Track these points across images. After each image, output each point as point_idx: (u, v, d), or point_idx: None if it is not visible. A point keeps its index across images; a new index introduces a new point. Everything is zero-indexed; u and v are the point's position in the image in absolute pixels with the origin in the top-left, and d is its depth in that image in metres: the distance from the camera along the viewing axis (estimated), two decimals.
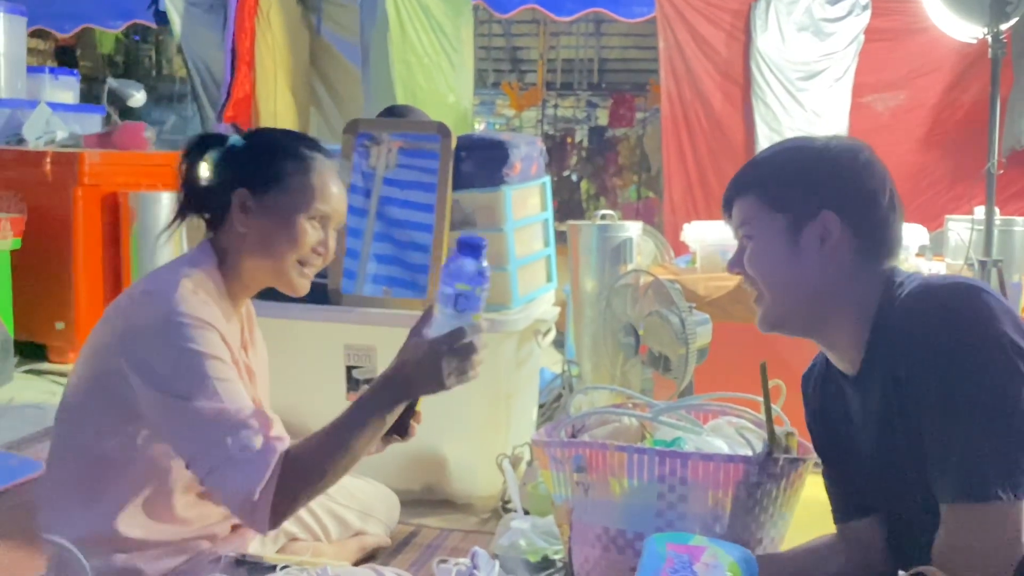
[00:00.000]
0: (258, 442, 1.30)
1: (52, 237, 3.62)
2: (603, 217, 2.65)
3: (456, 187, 2.22)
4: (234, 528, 1.56)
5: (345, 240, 2.24)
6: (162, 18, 5.33)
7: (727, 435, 1.65)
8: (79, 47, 7.30)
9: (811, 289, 1.24)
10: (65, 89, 4.45)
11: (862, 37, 4.52)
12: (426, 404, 2.16)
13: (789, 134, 4.54)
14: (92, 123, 4.42)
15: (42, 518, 1.46)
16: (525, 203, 2.37)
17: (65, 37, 6.44)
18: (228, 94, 4.64)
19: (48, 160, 3.67)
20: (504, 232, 2.22)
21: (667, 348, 2.01)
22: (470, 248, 1.31)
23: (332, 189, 1.49)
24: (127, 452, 1.40)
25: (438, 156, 2.21)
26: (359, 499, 1.92)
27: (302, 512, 1.77)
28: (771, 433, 1.45)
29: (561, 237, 2.68)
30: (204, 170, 1.47)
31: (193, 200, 1.50)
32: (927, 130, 4.53)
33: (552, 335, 2.43)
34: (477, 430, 2.21)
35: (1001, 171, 2.70)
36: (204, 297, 1.40)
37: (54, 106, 4.13)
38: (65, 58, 7.28)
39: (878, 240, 1.24)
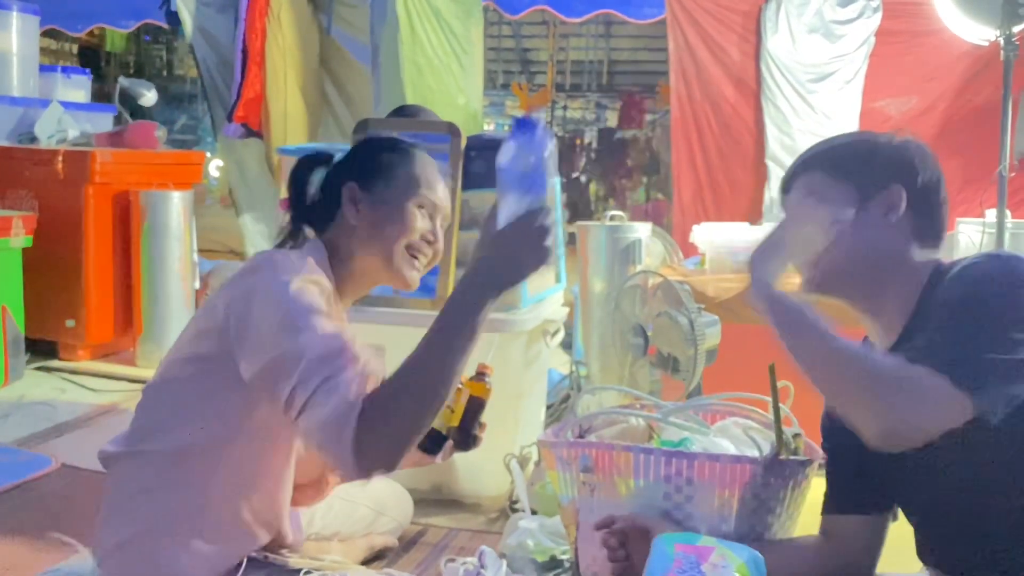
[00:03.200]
0: (350, 369, 1.22)
1: (63, 235, 3.64)
2: (612, 218, 2.65)
3: (466, 187, 2.22)
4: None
5: None
6: (173, 18, 5.34)
7: (734, 436, 1.65)
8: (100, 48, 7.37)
9: (869, 255, 1.27)
10: (77, 88, 4.47)
11: (873, 39, 4.50)
12: None
13: (799, 136, 4.54)
14: (104, 122, 4.45)
15: (107, 503, 1.42)
16: None
17: (88, 38, 6.48)
18: (238, 94, 4.65)
19: (60, 158, 3.69)
20: None
21: (676, 349, 2.01)
22: (525, 126, 1.22)
23: (437, 180, 1.52)
24: (208, 447, 1.37)
25: (447, 157, 2.22)
26: (373, 496, 1.93)
27: (316, 506, 1.77)
28: (779, 434, 1.45)
29: (569, 238, 2.69)
30: (314, 183, 1.51)
31: (304, 209, 1.51)
32: (937, 133, 4.50)
33: (561, 335, 2.43)
34: (486, 430, 2.21)
35: (1013, 174, 2.70)
36: (315, 270, 1.38)
37: (66, 105, 4.14)
38: (88, 58, 7.34)
39: (935, 223, 1.29)
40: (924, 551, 1.31)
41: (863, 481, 1.31)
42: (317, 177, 1.51)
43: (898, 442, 1.11)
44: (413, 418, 1.21)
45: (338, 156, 1.55)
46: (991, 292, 1.13)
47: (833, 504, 1.38)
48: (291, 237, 1.52)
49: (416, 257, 1.49)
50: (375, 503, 1.92)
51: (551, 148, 1.23)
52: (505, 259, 1.22)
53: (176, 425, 1.38)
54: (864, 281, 1.29)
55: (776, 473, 1.45)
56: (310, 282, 1.33)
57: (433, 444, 1.56)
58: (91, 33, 6.74)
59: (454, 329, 1.22)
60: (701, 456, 1.46)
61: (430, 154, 2.24)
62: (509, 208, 1.21)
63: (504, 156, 1.22)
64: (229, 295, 1.36)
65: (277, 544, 1.51)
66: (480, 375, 1.56)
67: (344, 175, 1.49)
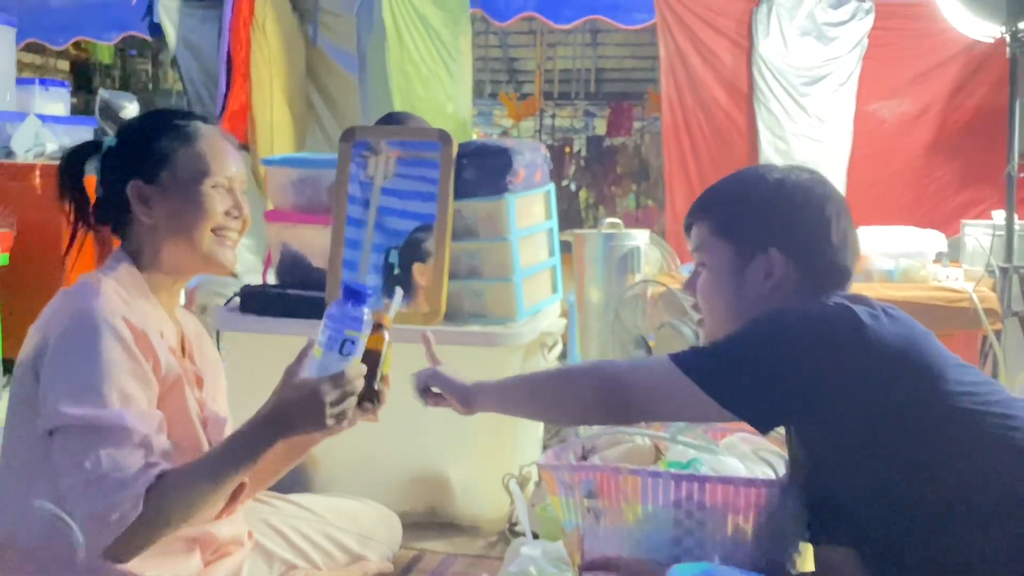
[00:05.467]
0: (134, 463, 1.25)
1: (41, 252, 3.53)
2: (609, 225, 2.57)
3: (458, 196, 2.14)
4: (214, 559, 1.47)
5: (343, 251, 2.18)
6: (156, 30, 5.27)
7: (743, 454, 1.58)
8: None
9: (751, 319, 1.27)
10: (56, 101, 4.37)
11: (866, 41, 4.46)
12: (429, 422, 2.09)
13: (793, 140, 4.50)
14: (84, 136, 4.34)
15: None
16: (529, 211, 2.30)
17: (76, 52, 6.40)
18: (223, 106, 4.58)
19: (37, 173, 3.60)
20: (508, 242, 2.15)
21: None
22: (357, 295, 1.33)
23: (223, 151, 1.45)
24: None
25: (438, 165, 2.14)
26: (358, 522, 1.84)
27: (296, 538, 1.70)
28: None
29: (562, 247, 2.60)
30: (90, 181, 1.45)
31: (92, 214, 1.46)
32: (933, 136, 4.47)
33: (559, 349, 2.34)
34: (482, 449, 2.13)
35: (1023, 174, 2.63)
36: (127, 297, 1.36)
37: (44, 118, 4.05)
38: (81, 76, 7.28)
39: (823, 275, 1.28)
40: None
41: (845, 508, 1.26)
42: (93, 170, 1.45)
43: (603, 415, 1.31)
44: (179, 524, 1.30)
45: (107, 142, 1.45)
46: (770, 318, 1.20)
47: (818, 533, 1.33)
48: (78, 233, 1.46)
49: (226, 237, 1.44)
50: (362, 529, 1.83)
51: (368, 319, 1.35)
52: (309, 410, 1.32)
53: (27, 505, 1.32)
54: None
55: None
56: (123, 331, 1.29)
57: None
58: (77, 45, 6.66)
59: (239, 460, 1.31)
60: (713, 479, 1.37)
61: (419, 163, 2.20)
62: (324, 365, 1.32)
63: (334, 316, 1.33)
64: (39, 333, 1.33)
65: (214, 549, 1.46)
66: (377, 326, 1.44)
67: (124, 172, 1.41)
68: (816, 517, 1.33)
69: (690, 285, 1.38)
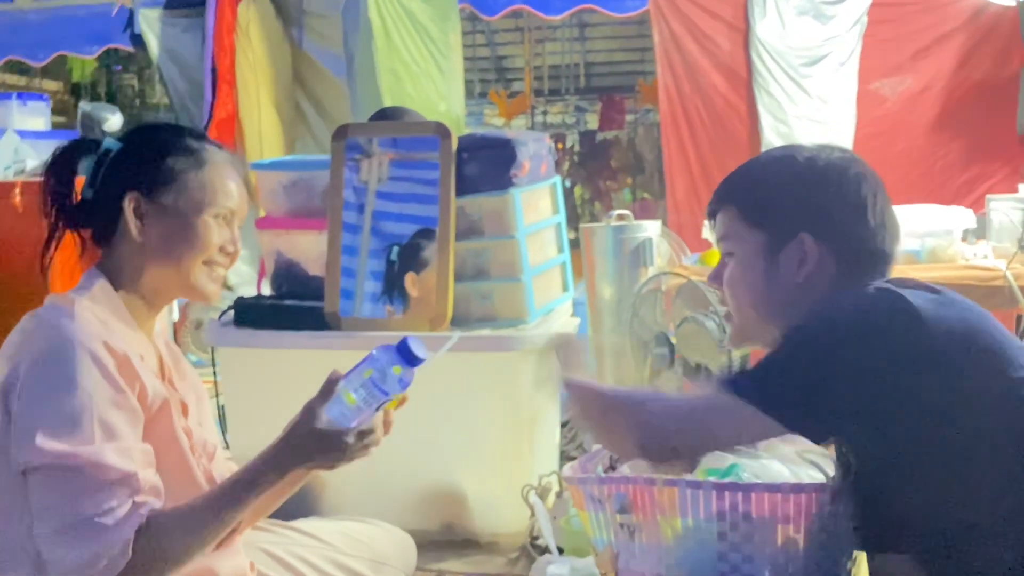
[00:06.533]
0: (120, 504, 1.15)
1: (24, 273, 3.39)
2: (619, 217, 2.46)
3: (459, 192, 2.03)
4: None
5: (340, 258, 2.06)
6: (138, 40, 5.19)
7: (785, 456, 1.48)
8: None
9: (786, 311, 1.20)
10: (36, 116, 4.25)
11: (865, 18, 4.38)
12: (441, 433, 1.98)
13: (795, 123, 4.42)
14: None
15: None
16: (536, 206, 2.19)
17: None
18: (210, 115, 4.52)
19: (17, 191, 3.47)
20: (516, 239, 2.03)
21: (706, 357, 1.82)
22: (413, 359, 1.25)
23: (232, 182, 1.38)
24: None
25: (433, 165, 2.03)
26: (369, 547, 1.72)
27: (302, 567, 1.58)
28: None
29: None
30: (82, 180, 1.35)
31: (74, 215, 1.35)
32: (938, 112, 4.40)
33: None
34: (498, 459, 2.03)
35: None
36: (104, 318, 1.26)
37: (23, 134, 3.93)
38: (73, 97, 7.19)
39: (861, 261, 1.20)
40: None
41: (903, 512, 1.16)
42: (87, 169, 1.34)
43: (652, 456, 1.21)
44: (165, 571, 1.21)
45: (108, 144, 1.35)
46: (819, 321, 1.12)
47: (872, 540, 1.23)
48: (59, 233, 1.36)
49: (214, 269, 1.37)
50: (373, 554, 1.72)
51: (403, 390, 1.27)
52: (329, 458, 1.27)
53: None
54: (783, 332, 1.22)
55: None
56: (104, 357, 1.19)
57: None
58: (61, 62, 6.57)
59: (235, 500, 1.24)
60: (759, 487, 1.27)
61: (415, 164, 2.09)
62: (350, 412, 1.24)
63: (385, 369, 1.25)
64: (7, 362, 1.22)
65: None
66: None
67: (125, 180, 1.31)
68: (870, 523, 1.22)
69: (716, 277, 1.28)
